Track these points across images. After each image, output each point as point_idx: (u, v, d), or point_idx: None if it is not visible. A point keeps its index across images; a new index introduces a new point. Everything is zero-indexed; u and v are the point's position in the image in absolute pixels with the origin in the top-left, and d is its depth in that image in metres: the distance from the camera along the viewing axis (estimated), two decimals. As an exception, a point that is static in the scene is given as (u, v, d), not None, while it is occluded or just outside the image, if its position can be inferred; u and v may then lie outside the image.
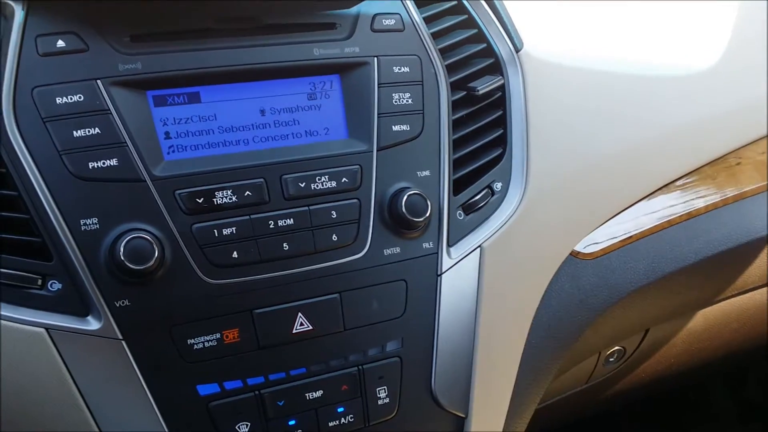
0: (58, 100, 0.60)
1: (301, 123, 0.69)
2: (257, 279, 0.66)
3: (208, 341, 0.65)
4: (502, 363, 0.81)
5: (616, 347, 1.12)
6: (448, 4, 0.79)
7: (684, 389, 1.68)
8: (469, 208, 0.77)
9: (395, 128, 0.72)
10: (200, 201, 0.64)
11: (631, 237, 0.92)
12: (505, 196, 0.79)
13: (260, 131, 0.68)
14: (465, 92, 0.78)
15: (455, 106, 0.77)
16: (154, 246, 0.61)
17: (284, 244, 0.67)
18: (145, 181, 0.62)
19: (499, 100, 0.80)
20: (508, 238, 0.78)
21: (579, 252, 0.87)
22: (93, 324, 0.62)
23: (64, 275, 0.61)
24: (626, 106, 0.91)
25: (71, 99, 0.60)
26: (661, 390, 1.51)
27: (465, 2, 0.80)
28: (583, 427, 1.49)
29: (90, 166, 0.61)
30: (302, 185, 0.67)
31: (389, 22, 0.73)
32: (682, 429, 1.70)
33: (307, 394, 0.70)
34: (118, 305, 0.62)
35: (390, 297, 0.72)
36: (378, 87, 0.71)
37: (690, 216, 0.97)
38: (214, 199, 0.64)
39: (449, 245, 0.75)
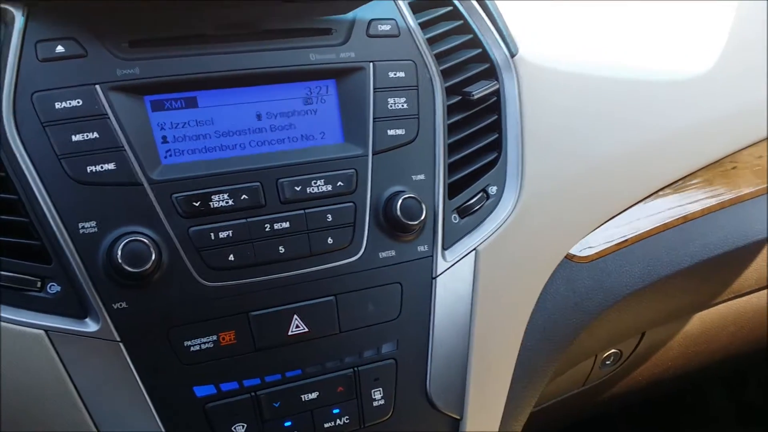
0: (57, 105, 0.61)
1: (297, 127, 0.70)
2: (253, 281, 0.67)
3: (204, 343, 0.66)
4: (497, 365, 0.82)
5: (613, 350, 1.12)
6: (443, 10, 0.80)
7: (681, 392, 1.68)
8: (464, 211, 0.77)
9: (390, 132, 0.72)
10: (197, 204, 0.64)
11: (626, 240, 0.92)
12: (500, 200, 0.80)
13: (257, 135, 0.68)
14: (460, 97, 0.78)
15: (450, 110, 0.77)
16: (152, 249, 0.61)
17: (280, 247, 0.67)
18: (143, 184, 0.63)
19: (494, 104, 0.81)
20: (503, 242, 0.79)
21: (574, 255, 0.88)
22: (91, 326, 0.62)
23: (63, 278, 0.62)
24: (621, 111, 0.92)
25: (70, 104, 0.61)
26: (658, 393, 1.51)
27: (460, 8, 0.81)
28: (580, 430, 1.49)
29: (88, 170, 0.61)
30: (298, 189, 0.68)
31: (385, 27, 0.74)
32: (680, 432, 1.71)
33: (302, 396, 0.70)
34: (115, 307, 0.62)
35: (385, 299, 0.72)
36: (373, 92, 0.72)
37: (686, 219, 0.97)
38: (211, 203, 0.65)
39: (444, 248, 0.76)
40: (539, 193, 0.82)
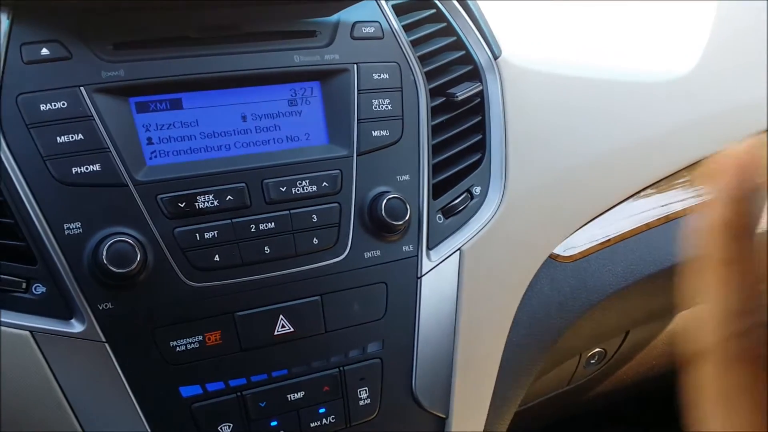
0: (42, 107, 0.61)
1: (282, 129, 0.70)
2: (239, 282, 0.67)
3: (190, 343, 0.66)
4: (483, 364, 0.82)
5: (597, 349, 1.13)
6: (427, 12, 0.81)
7: (666, 390, 1.69)
8: (448, 211, 0.78)
9: (375, 133, 0.73)
10: (182, 205, 0.65)
11: (609, 240, 0.93)
12: (484, 200, 0.81)
13: (242, 137, 0.69)
14: (444, 98, 0.79)
15: (434, 111, 0.78)
16: (137, 250, 0.62)
17: (266, 248, 0.68)
18: (128, 185, 0.63)
19: (478, 106, 0.82)
20: (487, 242, 0.80)
21: (558, 255, 0.89)
22: (76, 327, 0.62)
23: (48, 279, 0.62)
24: (604, 111, 0.93)
25: (55, 105, 0.61)
26: (642, 391, 1.52)
27: (444, 10, 0.82)
28: (566, 428, 1.50)
29: (73, 172, 0.62)
30: (283, 189, 0.68)
31: (369, 29, 0.74)
32: (664, 430, 1.72)
33: (288, 396, 0.71)
34: (101, 308, 0.62)
35: (371, 299, 0.73)
36: (358, 93, 0.72)
37: (668, 219, 0.98)
38: (196, 204, 0.65)
39: (429, 248, 0.76)
40: (523, 193, 0.82)
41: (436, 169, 0.77)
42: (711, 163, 0.30)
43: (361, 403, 0.74)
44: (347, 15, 0.74)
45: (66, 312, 0.63)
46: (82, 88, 0.62)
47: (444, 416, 0.79)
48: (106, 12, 0.65)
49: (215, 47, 0.68)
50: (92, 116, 0.62)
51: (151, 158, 0.66)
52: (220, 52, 0.68)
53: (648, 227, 0.96)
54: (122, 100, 0.64)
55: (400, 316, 0.75)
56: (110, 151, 0.63)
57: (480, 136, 0.81)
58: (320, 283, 0.71)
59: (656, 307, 1.09)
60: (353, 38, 0.73)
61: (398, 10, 0.78)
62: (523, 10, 0.97)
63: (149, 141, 0.66)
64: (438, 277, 0.76)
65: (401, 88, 0.75)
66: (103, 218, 0.62)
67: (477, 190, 0.80)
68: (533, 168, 0.84)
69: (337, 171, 0.71)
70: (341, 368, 0.73)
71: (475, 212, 0.80)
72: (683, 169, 1.02)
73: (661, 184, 1.00)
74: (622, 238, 0.94)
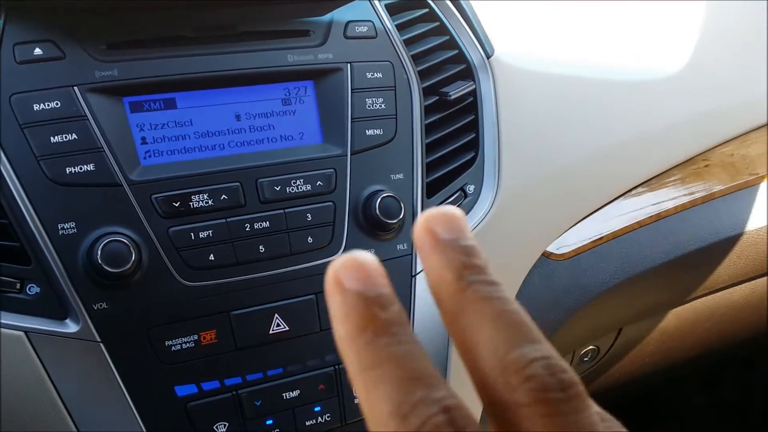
0: (36, 107, 0.61)
1: (276, 128, 0.71)
2: (234, 281, 0.67)
3: (185, 343, 0.66)
4: (477, 362, 0.83)
5: (590, 346, 1.14)
6: (419, 12, 0.81)
7: (658, 388, 1.70)
8: (442, 210, 0.78)
9: (369, 132, 0.73)
10: (177, 205, 0.65)
11: (602, 238, 0.94)
12: (477, 199, 0.81)
13: (236, 136, 0.69)
14: (437, 97, 0.79)
15: (428, 110, 0.78)
16: (131, 249, 0.62)
17: (260, 247, 0.68)
18: (122, 185, 0.63)
19: (471, 104, 0.82)
20: (480, 240, 0.78)
21: (551, 253, 0.89)
22: (71, 327, 0.62)
23: (43, 279, 0.62)
24: (597, 110, 0.94)
25: (48, 105, 0.61)
26: (636, 388, 1.53)
27: (436, 9, 0.82)
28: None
29: (67, 171, 0.62)
30: (278, 188, 0.69)
31: (362, 29, 0.74)
32: (657, 427, 1.73)
33: (284, 394, 0.71)
34: (95, 308, 0.62)
35: (365, 298, 0.73)
36: (351, 92, 0.73)
37: (659, 217, 0.99)
38: (191, 203, 0.65)
39: (423, 247, 0.76)
40: (516, 191, 0.83)
41: (429, 167, 0.78)
42: (330, 270, 0.29)
43: (357, 401, 0.74)
44: (340, 14, 0.74)
45: (61, 312, 0.62)
46: (75, 87, 0.62)
47: (439, 414, 0.79)
48: (100, 12, 0.65)
49: (209, 47, 0.68)
50: (86, 116, 0.62)
51: (145, 158, 0.66)
52: (214, 51, 0.68)
53: (640, 225, 0.97)
54: (116, 100, 0.64)
55: (395, 315, 0.75)
56: (104, 151, 0.63)
57: (473, 135, 0.82)
58: (315, 282, 0.71)
59: (649, 304, 1.10)
60: (346, 37, 0.73)
61: (391, 10, 0.78)
62: (516, 10, 0.97)
63: (143, 141, 0.66)
64: (432, 276, 0.76)
65: (394, 87, 0.75)
66: (98, 218, 0.62)
67: (470, 188, 0.81)
68: (526, 166, 0.84)
69: (331, 170, 0.71)
70: (336, 366, 0.73)
71: (469, 211, 0.80)
72: (675, 167, 1.03)
73: (652, 182, 1.01)
74: (615, 236, 0.95)
